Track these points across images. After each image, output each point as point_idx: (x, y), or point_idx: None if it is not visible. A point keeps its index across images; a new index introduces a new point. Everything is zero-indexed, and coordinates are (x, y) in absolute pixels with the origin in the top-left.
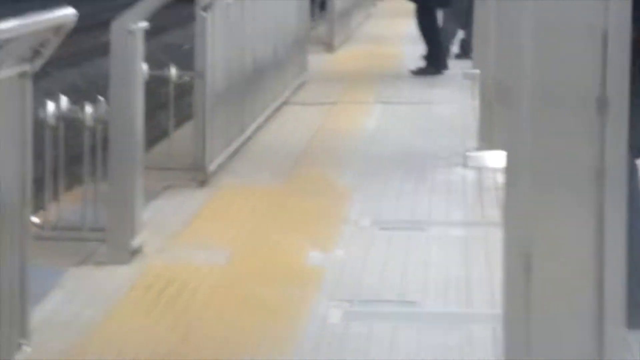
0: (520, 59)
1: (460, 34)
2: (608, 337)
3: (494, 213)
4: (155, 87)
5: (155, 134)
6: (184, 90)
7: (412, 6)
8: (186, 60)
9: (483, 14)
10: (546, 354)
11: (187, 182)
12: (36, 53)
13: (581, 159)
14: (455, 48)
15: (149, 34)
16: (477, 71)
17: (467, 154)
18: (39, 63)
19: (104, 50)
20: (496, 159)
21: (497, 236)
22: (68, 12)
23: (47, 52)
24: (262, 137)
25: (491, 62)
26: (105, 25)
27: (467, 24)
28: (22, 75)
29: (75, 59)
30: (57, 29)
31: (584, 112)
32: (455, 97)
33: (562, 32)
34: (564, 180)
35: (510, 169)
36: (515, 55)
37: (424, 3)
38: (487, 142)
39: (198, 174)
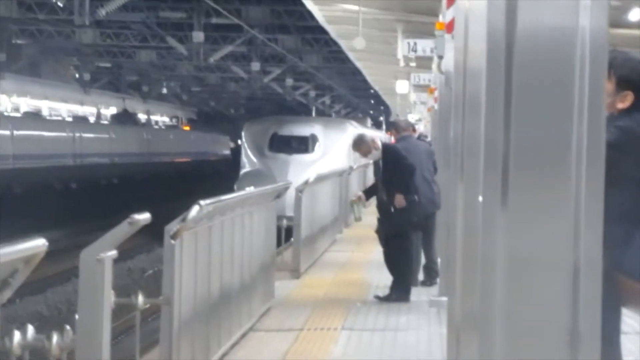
0: (492, 290)
1: (423, 260)
2: None
3: None
4: (121, 313)
5: None
6: (151, 316)
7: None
8: (149, 284)
9: (449, 243)
10: None
11: None
12: (5, 283)
13: None
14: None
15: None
16: (445, 299)
17: None
18: (7, 294)
19: (68, 277)
20: None
21: None
22: (39, 243)
23: (17, 283)
24: None
25: (459, 290)
26: (68, 251)
27: (427, 251)
28: None
29: (40, 286)
30: (27, 259)
31: (555, 344)
32: (421, 324)
33: (534, 266)
34: None
35: None
36: (486, 287)
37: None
38: None
39: None
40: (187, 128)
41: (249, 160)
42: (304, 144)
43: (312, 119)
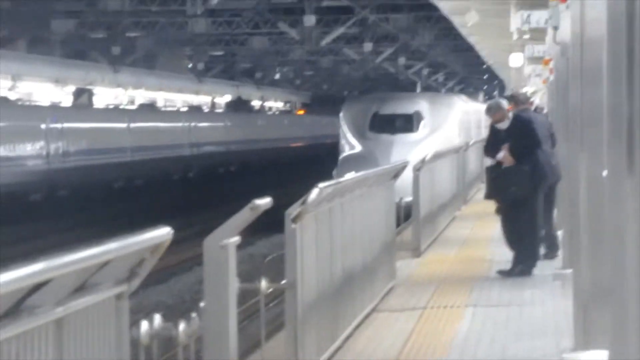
0: (623, 261)
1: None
2: None
3: None
4: (245, 299)
5: (246, 346)
6: (272, 301)
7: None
8: (270, 269)
9: (573, 215)
10: None
11: None
12: (133, 273)
13: None
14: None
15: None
16: (569, 271)
17: (564, 355)
18: (135, 283)
19: (190, 266)
20: (594, 359)
21: None
22: (164, 232)
23: (144, 272)
24: (353, 346)
25: (585, 262)
26: (189, 240)
27: (548, 223)
28: (119, 296)
29: (162, 276)
30: (154, 248)
31: None
32: (546, 298)
33: None
34: None
35: None
36: (617, 258)
37: (505, 202)
38: (583, 343)
39: None
40: (301, 112)
41: (348, 143)
42: (408, 123)
43: (416, 94)
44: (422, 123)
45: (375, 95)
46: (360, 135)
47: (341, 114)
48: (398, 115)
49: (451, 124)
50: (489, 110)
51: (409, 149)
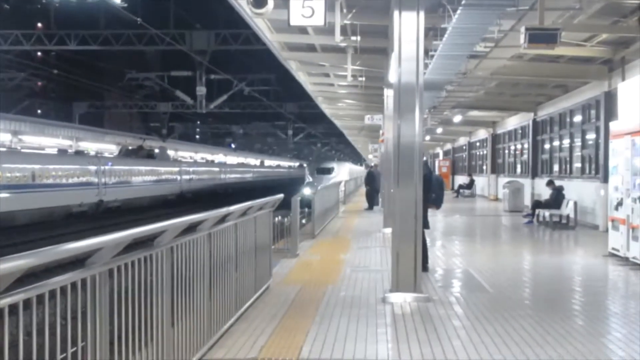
0: (394, 215)
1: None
2: None
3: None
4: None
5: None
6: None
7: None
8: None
9: (386, 199)
10: None
11: None
12: (273, 205)
13: None
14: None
15: None
16: (384, 208)
17: (382, 229)
18: (273, 208)
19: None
20: (388, 230)
21: None
22: (280, 196)
23: (275, 205)
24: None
25: (386, 206)
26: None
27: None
28: (270, 212)
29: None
30: (277, 202)
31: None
32: (378, 216)
33: (402, 201)
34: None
35: (394, 233)
36: (390, 204)
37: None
38: (385, 225)
39: None
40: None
41: (308, 178)
42: (330, 171)
43: (333, 161)
44: (334, 171)
45: (318, 161)
46: (312, 174)
47: (306, 167)
48: (326, 167)
49: (344, 172)
50: (370, 168)
51: (329, 180)
